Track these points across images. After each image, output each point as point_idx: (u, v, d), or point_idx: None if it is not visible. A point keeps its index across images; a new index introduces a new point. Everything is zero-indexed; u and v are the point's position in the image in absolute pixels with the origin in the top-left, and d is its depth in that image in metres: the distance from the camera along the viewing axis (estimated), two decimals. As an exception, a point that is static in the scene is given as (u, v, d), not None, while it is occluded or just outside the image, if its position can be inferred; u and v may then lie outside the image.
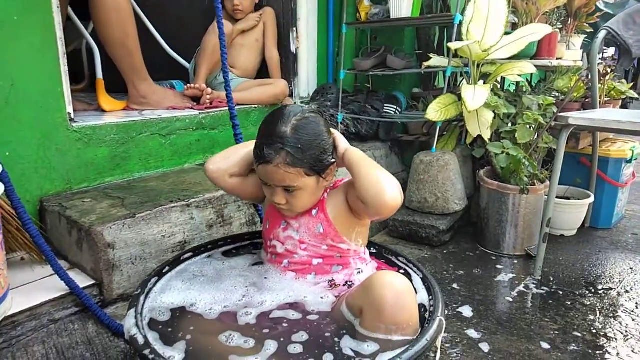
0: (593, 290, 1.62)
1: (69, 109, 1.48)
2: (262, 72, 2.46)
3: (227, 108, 2.03)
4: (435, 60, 2.14)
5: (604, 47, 2.68)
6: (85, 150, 1.52)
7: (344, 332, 0.91)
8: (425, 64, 2.15)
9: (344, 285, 1.07)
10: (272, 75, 2.40)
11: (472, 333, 1.35)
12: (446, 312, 1.25)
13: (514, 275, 1.74)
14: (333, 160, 1.06)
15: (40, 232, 1.16)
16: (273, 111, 1.06)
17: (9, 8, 1.29)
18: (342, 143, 1.09)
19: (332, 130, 1.09)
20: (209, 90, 2.10)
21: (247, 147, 1.14)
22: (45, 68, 1.40)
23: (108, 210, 1.31)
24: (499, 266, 1.82)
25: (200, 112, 1.91)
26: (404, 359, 0.78)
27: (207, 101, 2.06)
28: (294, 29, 2.40)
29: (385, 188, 0.96)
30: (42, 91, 1.40)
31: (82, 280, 1.21)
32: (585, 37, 2.50)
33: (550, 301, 1.55)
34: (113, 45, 1.80)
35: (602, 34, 1.99)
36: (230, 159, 1.14)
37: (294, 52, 2.44)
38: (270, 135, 0.99)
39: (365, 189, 0.98)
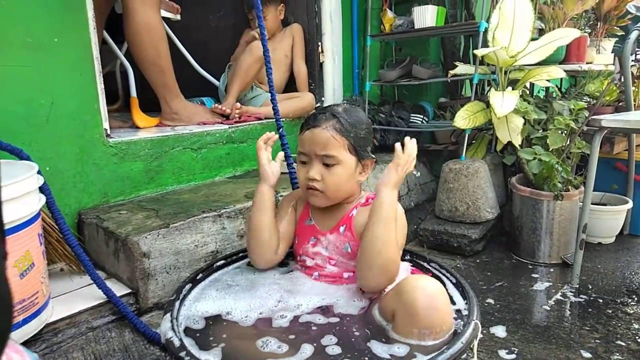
0: (636, 299, 1.56)
1: (105, 125, 1.54)
2: (288, 85, 2.50)
3: (255, 122, 2.09)
4: (462, 68, 2.13)
5: (637, 49, 2.61)
6: (121, 165, 1.57)
7: (377, 336, 0.90)
8: (452, 72, 2.14)
9: (376, 290, 1.06)
10: (299, 89, 2.44)
11: (509, 346, 1.31)
12: (481, 331, 1.21)
13: (551, 283, 1.69)
14: (373, 156, 1.10)
15: (78, 244, 1.20)
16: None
17: (50, 30, 1.36)
18: (387, 177, 1.01)
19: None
20: (238, 105, 2.15)
21: (264, 220, 1.13)
22: (83, 86, 1.46)
23: (143, 221, 1.35)
24: (534, 275, 1.77)
25: (229, 126, 1.95)
26: (440, 361, 0.77)
27: (236, 116, 2.11)
28: (319, 43, 2.43)
29: (375, 274, 0.98)
30: (80, 108, 1.46)
31: (119, 289, 1.25)
32: (616, 41, 2.45)
33: (590, 309, 1.50)
34: (146, 64, 1.87)
35: (634, 35, 1.95)
36: (262, 243, 1.13)
37: (320, 66, 2.48)
38: (323, 112, 1.07)
39: (360, 256, 1.01)
